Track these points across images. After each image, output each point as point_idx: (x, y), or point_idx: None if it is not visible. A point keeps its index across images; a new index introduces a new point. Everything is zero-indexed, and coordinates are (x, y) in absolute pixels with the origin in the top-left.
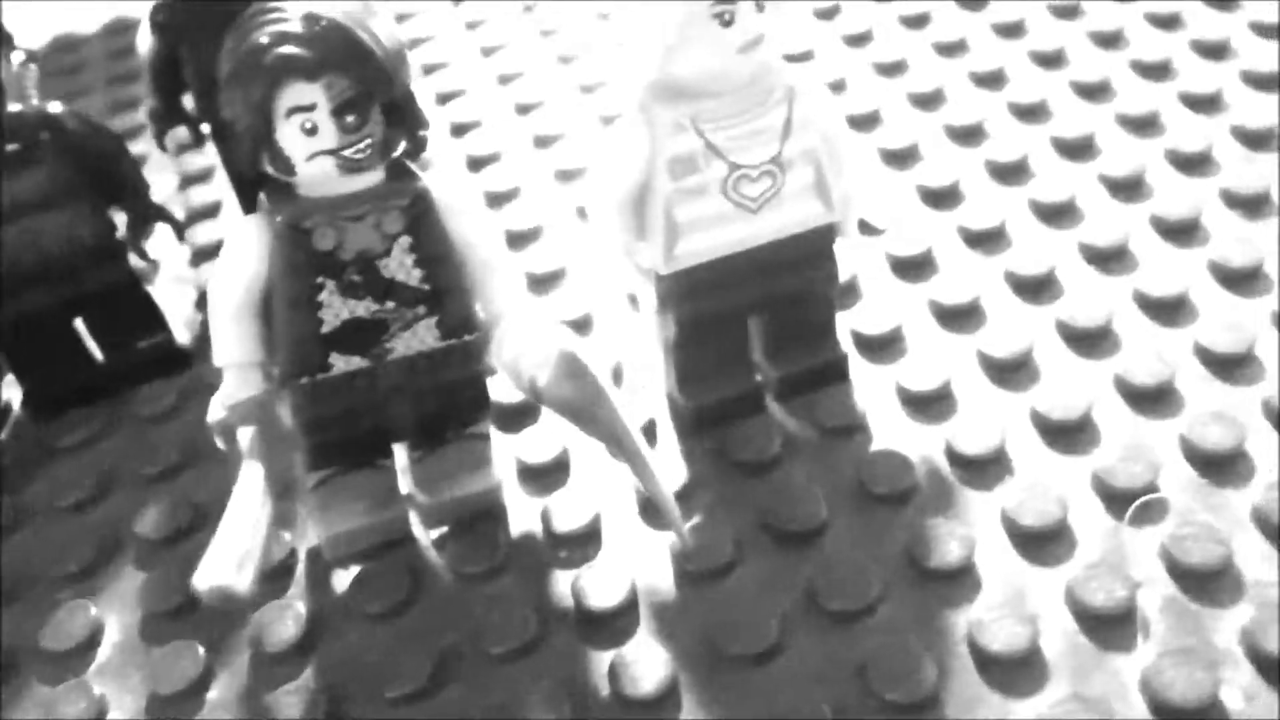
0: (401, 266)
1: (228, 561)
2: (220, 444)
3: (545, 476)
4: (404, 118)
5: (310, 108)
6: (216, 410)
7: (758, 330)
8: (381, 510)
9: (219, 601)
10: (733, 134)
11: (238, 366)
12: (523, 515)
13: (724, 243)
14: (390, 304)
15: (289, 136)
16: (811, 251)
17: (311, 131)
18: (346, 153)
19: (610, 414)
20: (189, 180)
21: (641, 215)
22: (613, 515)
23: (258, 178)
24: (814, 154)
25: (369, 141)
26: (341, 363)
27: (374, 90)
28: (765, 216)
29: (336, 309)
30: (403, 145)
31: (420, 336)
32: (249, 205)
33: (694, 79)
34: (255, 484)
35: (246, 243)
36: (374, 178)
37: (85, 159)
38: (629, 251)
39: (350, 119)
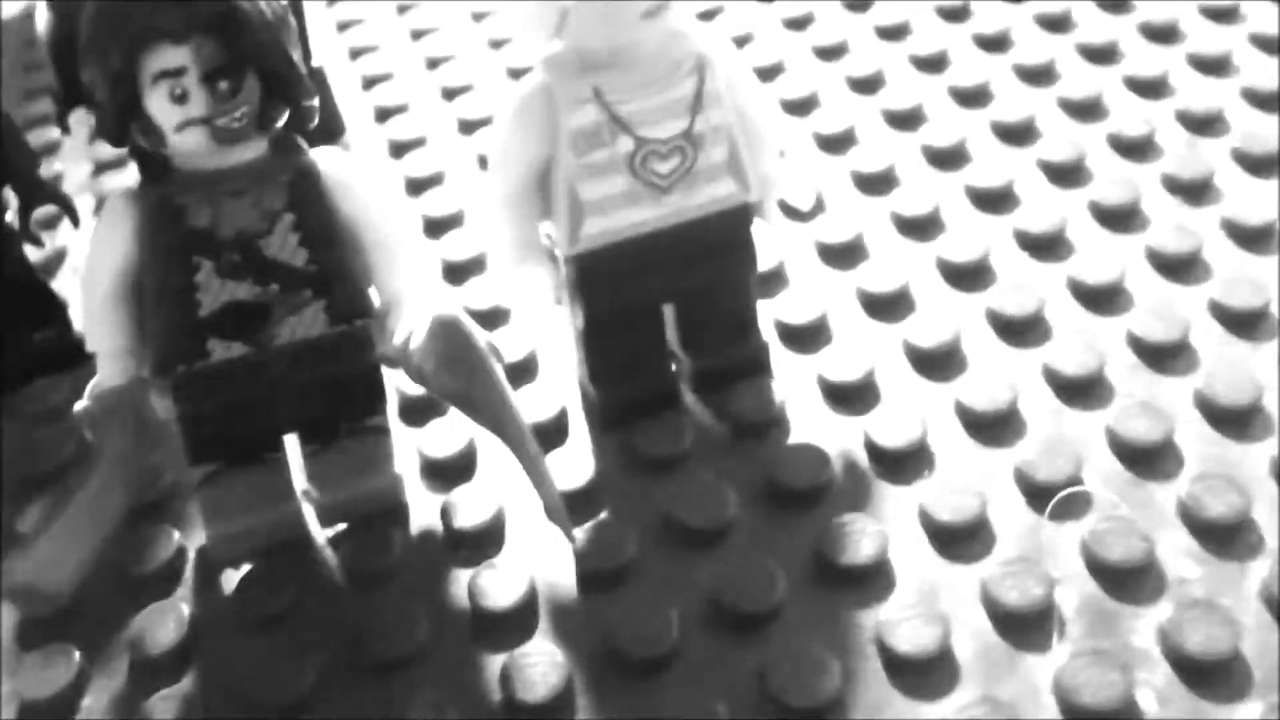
0: (285, 246)
1: (47, 557)
2: (87, 435)
3: (449, 472)
4: (285, 87)
5: (178, 72)
6: (83, 400)
7: (674, 319)
8: (271, 508)
9: (22, 600)
10: (640, 107)
11: (108, 354)
12: (424, 513)
13: (633, 223)
14: (274, 286)
15: (157, 104)
16: (728, 235)
17: (180, 98)
18: (219, 122)
19: (495, 397)
20: (103, 167)
21: (546, 194)
22: (517, 513)
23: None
24: (728, 130)
25: (244, 110)
26: (221, 349)
27: (248, 55)
28: (676, 196)
29: (215, 291)
30: (284, 116)
31: (307, 322)
32: None
33: (595, 48)
34: (106, 479)
35: (114, 221)
36: (255, 150)
37: None
38: (521, 243)
39: (222, 85)
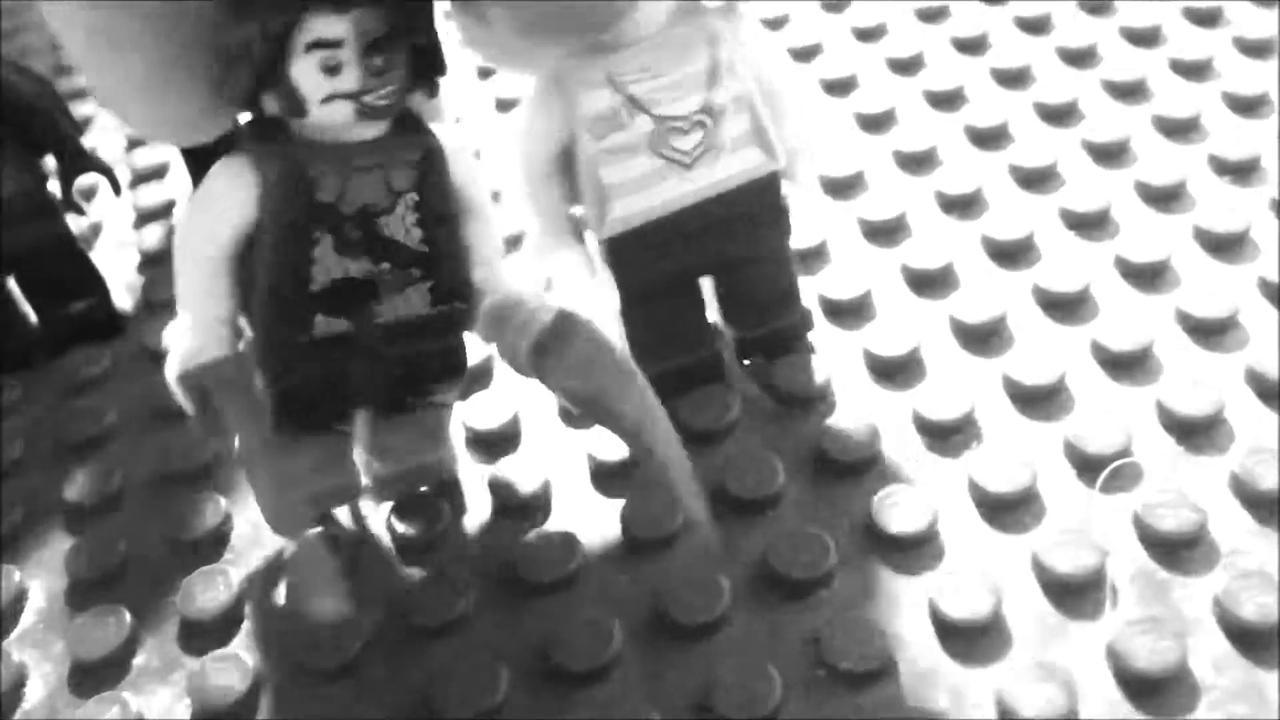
0: (402, 225)
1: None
2: (186, 406)
3: (496, 444)
4: (432, 63)
5: (336, 44)
6: (180, 367)
7: (713, 292)
8: (333, 477)
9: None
10: (654, 85)
11: (210, 322)
12: (471, 485)
13: (661, 202)
14: (385, 264)
15: (306, 74)
16: (759, 205)
17: (333, 70)
18: (367, 98)
19: (631, 403)
20: (135, 142)
21: (573, 180)
22: (563, 482)
23: (214, 143)
24: (748, 99)
25: (393, 88)
26: (324, 324)
27: (409, 30)
28: (702, 171)
29: (329, 266)
30: (418, 94)
31: (411, 302)
32: (198, 171)
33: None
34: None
35: (235, 185)
36: (381, 127)
37: (9, 105)
38: (552, 229)
39: (378, 60)
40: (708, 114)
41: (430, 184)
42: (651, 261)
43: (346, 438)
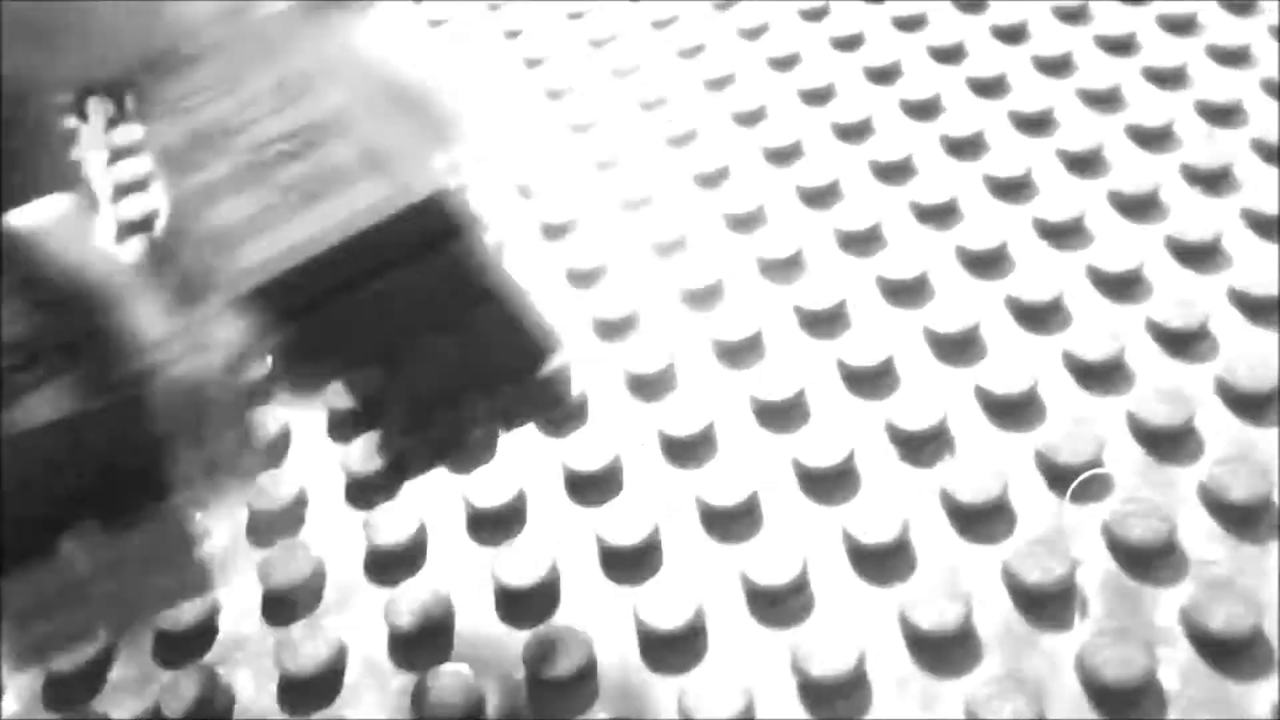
0: None
1: None
2: None
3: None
4: None
5: None
6: None
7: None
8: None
9: None
10: (228, 107)
11: None
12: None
13: (281, 248)
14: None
15: None
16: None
17: None
18: None
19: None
20: (118, 154)
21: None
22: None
23: None
24: (348, 113)
25: None
26: None
27: None
28: (314, 205)
29: None
30: None
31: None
32: None
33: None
34: None
35: None
36: None
37: None
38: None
39: None
40: (300, 139)
41: None
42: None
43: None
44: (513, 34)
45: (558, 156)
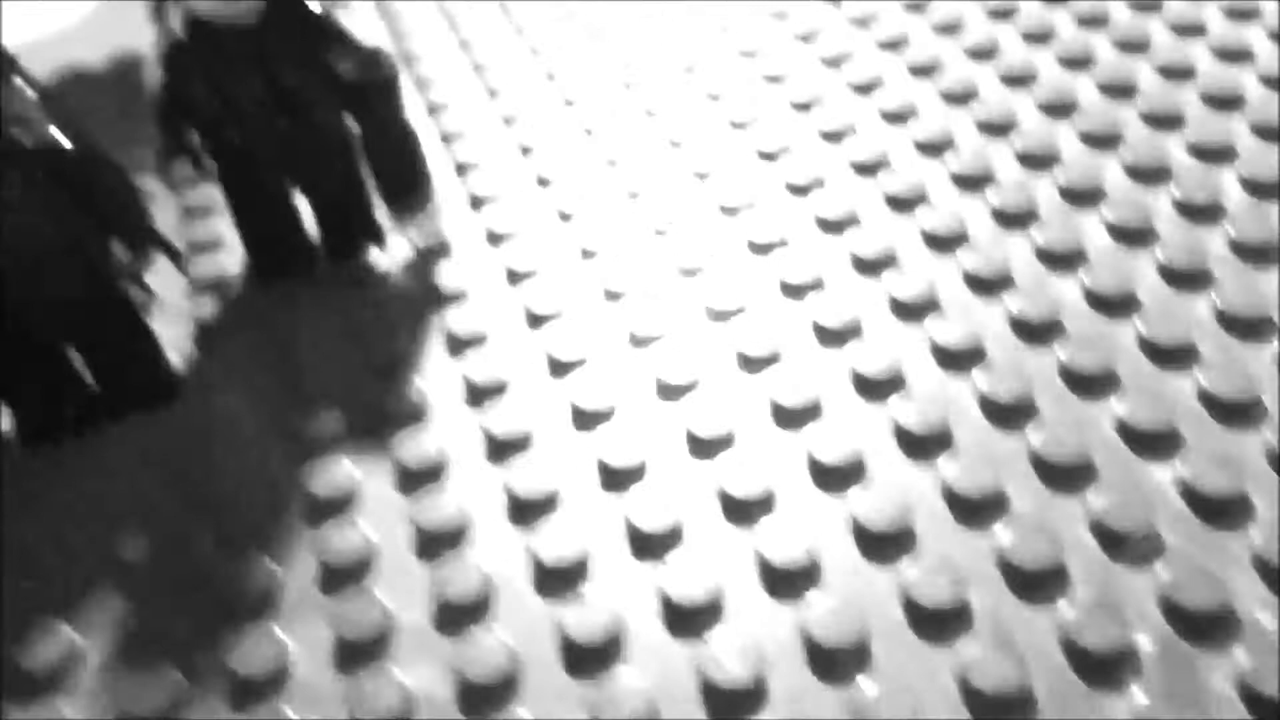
0: None
1: None
2: None
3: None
4: None
5: None
6: None
7: None
8: None
9: None
10: None
11: None
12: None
13: None
14: None
15: None
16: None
17: None
18: None
19: None
20: (190, 213)
21: None
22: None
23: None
24: None
25: None
26: None
27: None
28: None
29: None
30: None
31: None
32: (265, 264)
33: None
34: None
35: None
36: None
37: (81, 186)
38: None
39: None
40: None
41: None
42: None
43: None
44: (551, 78)
45: (592, 190)
